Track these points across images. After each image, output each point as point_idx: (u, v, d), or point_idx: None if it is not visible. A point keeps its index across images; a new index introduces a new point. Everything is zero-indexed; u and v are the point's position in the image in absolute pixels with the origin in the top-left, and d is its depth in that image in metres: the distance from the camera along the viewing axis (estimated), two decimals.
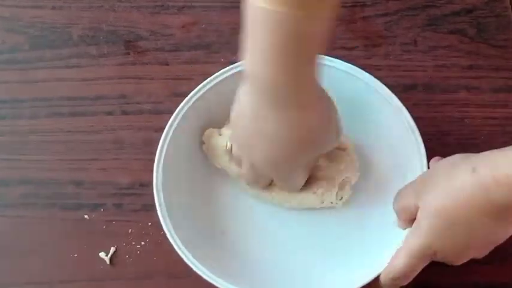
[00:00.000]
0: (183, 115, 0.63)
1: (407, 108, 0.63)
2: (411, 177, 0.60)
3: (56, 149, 0.69)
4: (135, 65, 0.72)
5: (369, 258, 0.61)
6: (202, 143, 0.65)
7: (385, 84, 0.64)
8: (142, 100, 0.70)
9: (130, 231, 0.65)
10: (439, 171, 0.56)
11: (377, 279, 0.58)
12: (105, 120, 0.70)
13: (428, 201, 0.55)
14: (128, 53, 0.72)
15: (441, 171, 0.56)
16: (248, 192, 0.65)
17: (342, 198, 0.64)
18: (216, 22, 0.73)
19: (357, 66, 0.64)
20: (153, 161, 0.62)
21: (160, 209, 0.60)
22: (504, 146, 0.67)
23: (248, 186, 0.64)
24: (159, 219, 0.60)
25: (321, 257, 0.63)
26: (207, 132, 0.64)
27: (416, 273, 0.57)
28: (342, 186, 0.63)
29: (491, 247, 0.56)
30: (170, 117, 0.63)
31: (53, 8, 0.74)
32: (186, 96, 0.64)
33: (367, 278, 0.58)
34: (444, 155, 0.60)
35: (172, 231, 0.60)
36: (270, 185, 0.63)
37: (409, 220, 0.58)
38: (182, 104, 0.63)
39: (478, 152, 0.53)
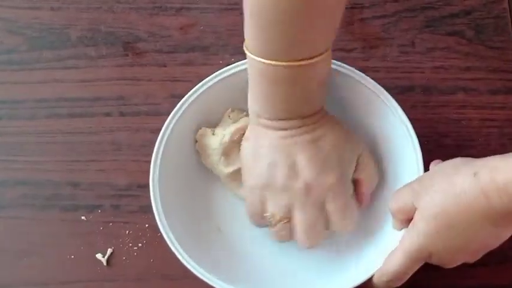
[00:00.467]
0: (179, 116, 0.63)
1: (404, 110, 0.63)
2: (407, 180, 0.59)
3: (53, 150, 0.69)
4: (133, 67, 0.72)
5: (364, 259, 0.61)
6: (195, 141, 0.65)
7: (383, 86, 0.64)
8: (140, 101, 0.70)
9: (127, 232, 0.65)
10: (439, 173, 0.56)
11: (370, 280, 0.58)
12: (103, 121, 0.70)
13: (427, 203, 0.55)
14: (126, 55, 0.72)
15: (441, 174, 0.56)
16: (237, 194, 0.65)
17: None
18: (214, 24, 0.73)
19: (355, 68, 0.64)
20: (150, 162, 0.62)
21: (157, 211, 0.60)
22: (502, 148, 0.68)
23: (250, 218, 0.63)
24: (156, 221, 0.60)
25: (317, 257, 0.63)
26: (201, 131, 0.64)
27: (409, 275, 0.57)
28: None
29: (485, 251, 0.56)
30: (167, 118, 0.63)
31: (52, 9, 0.74)
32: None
33: (361, 279, 0.58)
34: (442, 156, 0.60)
35: (170, 233, 0.60)
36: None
37: (405, 221, 0.57)
38: (179, 105, 0.63)
39: (476, 153, 0.53)
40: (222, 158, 0.63)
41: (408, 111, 0.63)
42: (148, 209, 0.61)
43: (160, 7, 0.74)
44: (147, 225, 0.65)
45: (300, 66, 0.55)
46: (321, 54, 0.56)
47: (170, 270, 0.63)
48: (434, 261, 0.56)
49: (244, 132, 0.62)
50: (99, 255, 0.65)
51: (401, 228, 0.59)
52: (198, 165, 0.65)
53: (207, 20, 0.73)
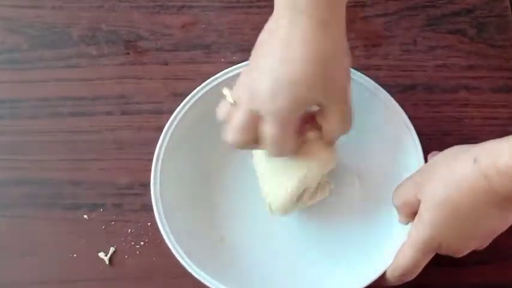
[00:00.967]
0: (182, 116, 0.63)
1: (406, 108, 0.63)
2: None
3: (55, 149, 0.69)
4: (135, 65, 0.72)
5: (372, 258, 0.61)
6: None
7: (385, 85, 0.64)
8: (141, 100, 0.70)
9: (129, 231, 0.65)
10: (439, 163, 0.56)
11: (380, 279, 0.58)
12: (104, 120, 0.70)
13: (430, 193, 0.55)
14: (128, 53, 0.72)
15: (441, 163, 0.56)
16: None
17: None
18: (216, 22, 0.73)
19: (357, 66, 0.64)
20: (152, 160, 0.62)
21: (158, 210, 0.60)
22: None
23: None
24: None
25: (322, 260, 0.63)
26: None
27: (422, 268, 0.57)
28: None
29: (494, 236, 0.56)
30: (169, 117, 0.63)
31: (53, 8, 0.74)
32: (186, 96, 0.64)
33: (370, 279, 0.58)
34: None
35: (170, 233, 0.60)
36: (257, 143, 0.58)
37: (411, 214, 0.57)
38: (182, 104, 0.63)
39: None
40: None
41: (410, 110, 0.63)
42: (150, 207, 0.61)
43: (162, 5, 0.74)
44: (149, 224, 0.65)
45: None
46: None
47: (172, 269, 0.63)
48: (443, 251, 0.56)
49: None
50: (101, 254, 0.65)
51: (408, 222, 0.59)
52: (200, 164, 0.65)
53: (209, 18, 0.73)
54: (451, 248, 0.56)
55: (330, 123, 0.58)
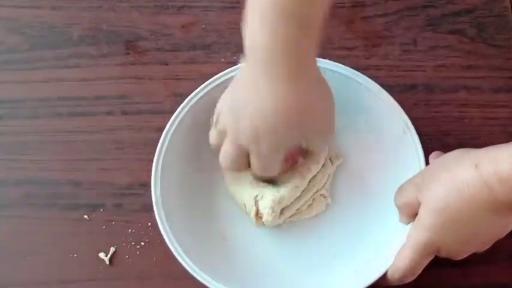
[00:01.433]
0: (183, 116, 0.63)
1: (406, 108, 0.63)
2: (410, 177, 0.60)
3: (55, 149, 0.69)
4: (135, 65, 0.72)
5: (373, 258, 0.61)
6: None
7: (385, 85, 0.64)
8: (142, 100, 0.70)
9: (130, 231, 0.65)
10: (440, 166, 0.56)
11: (381, 279, 0.58)
12: (105, 120, 0.70)
13: (430, 196, 0.55)
14: (128, 53, 0.72)
15: (442, 166, 0.56)
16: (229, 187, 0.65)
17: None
18: (216, 22, 0.73)
19: (356, 66, 0.64)
20: (153, 161, 0.62)
21: (158, 210, 0.60)
22: None
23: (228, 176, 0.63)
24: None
25: (323, 260, 0.63)
26: None
27: (421, 269, 0.57)
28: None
29: (493, 241, 0.56)
30: (170, 117, 0.63)
31: (53, 8, 0.74)
32: (186, 96, 0.64)
33: (372, 279, 0.58)
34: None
35: (170, 234, 0.60)
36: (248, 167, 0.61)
37: (412, 215, 0.58)
38: (182, 105, 0.63)
39: None
40: None
41: (410, 110, 0.63)
42: (150, 207, 0.61)
43: (162, 6, 0.74)
44: (149, 224, 0.65)
45: None
46: None
47: (173, 269, 0.63)
48: (443, 254, 0.56)
49: None
50: (101, 254, 0.65)
51: (409, 222, 0.59)
52: (200, 164, 0.65)
53: (209, 18, 0.73)
54: (450, 252, 0.56)
55: (314, 149, 0.61)
